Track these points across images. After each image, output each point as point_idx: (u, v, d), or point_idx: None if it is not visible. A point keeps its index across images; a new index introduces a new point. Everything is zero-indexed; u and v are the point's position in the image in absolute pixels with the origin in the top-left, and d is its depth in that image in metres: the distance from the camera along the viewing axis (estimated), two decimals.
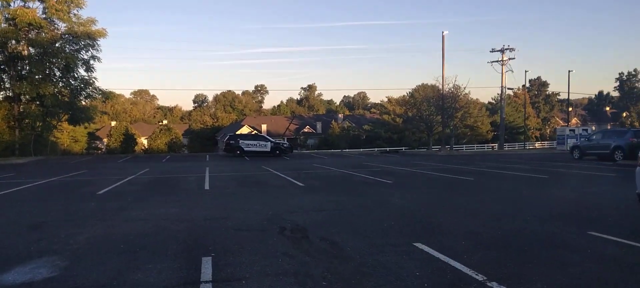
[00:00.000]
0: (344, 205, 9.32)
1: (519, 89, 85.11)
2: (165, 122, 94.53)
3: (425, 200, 9.93)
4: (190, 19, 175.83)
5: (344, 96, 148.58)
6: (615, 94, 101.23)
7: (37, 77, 31.93)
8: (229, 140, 32.36)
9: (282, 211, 8.58)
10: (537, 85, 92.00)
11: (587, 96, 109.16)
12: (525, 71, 50.89)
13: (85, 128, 77.36)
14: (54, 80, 33.59)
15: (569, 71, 52.34)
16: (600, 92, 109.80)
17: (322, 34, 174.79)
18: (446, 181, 14.12)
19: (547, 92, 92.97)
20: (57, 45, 31.42)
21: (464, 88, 35.72)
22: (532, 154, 33.19)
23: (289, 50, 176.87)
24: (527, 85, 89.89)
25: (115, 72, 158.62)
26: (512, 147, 54.35)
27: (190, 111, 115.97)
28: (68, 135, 70.91)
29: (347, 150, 52.93)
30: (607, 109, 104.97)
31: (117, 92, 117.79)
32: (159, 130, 74.66)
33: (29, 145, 32.53)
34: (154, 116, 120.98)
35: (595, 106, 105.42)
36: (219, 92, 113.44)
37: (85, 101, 35.28)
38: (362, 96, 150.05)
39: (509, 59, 40.86)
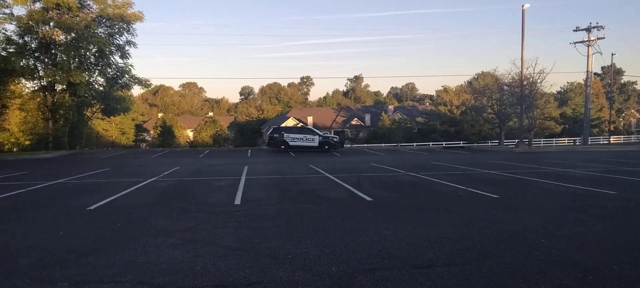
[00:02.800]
0: (458, 249, 5.40)
1: (596, 76, 77.08)
2: (211, 114, 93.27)
3: (598, 243, 5.82)
4: (238, 11, 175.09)
5: (392, 87, 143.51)
6: None
7: (71, 64, 29.90)
8: (273, 133, 28.97)
9: (354, 266, 4.80)
10: (611, 73, 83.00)
11: None
12: (612, 54, 44.04)
13: (133, 120, 77.39)
14: (90, 67, 31.49)
15: None
16: None
17: (369, 24, 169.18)
18: (578, 196, 9.82)
19: (622, 81, 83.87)
20: (89, 29, 29.02)
21: (546, 73, 30.33)
22: (635, 152, 27.56)
23: (335, 42, 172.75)
24: (599, 71, 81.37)
25: (164, 64, 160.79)
26: (595, 142, 47.96)
27: (237, 103, 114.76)
28: (116, 127, 70.76)
29: (403, 144, 48.50)
30: None
31: (167, 84, 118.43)
32: (204, 123, 72.97)
33: (64, 137, 30.57)
34: (201, 108, 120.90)
35: None
36: (265, 84, 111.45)
37: (121, 90, 32.95)
38: (410, 87, 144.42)
39: (598, 38, 34.86)
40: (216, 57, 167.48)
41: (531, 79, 30.37)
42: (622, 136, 68.80)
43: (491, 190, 10.46)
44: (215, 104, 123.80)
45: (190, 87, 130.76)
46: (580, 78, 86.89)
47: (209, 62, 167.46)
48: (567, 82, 73.99)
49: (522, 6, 30.18)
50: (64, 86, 30.40)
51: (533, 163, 18.48)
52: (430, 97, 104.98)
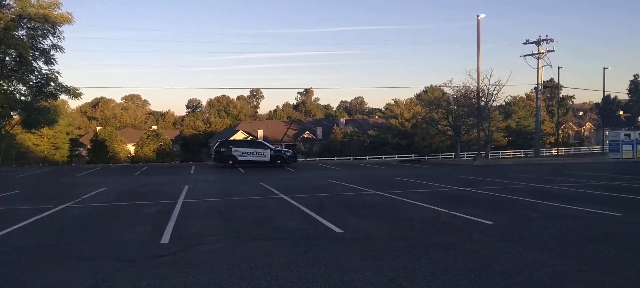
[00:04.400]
0: None
1: (532, 92, 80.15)
2: (154, 127, 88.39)
3: None
4: (186, 22, 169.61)
5: (341, 101, 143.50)
6: (624, 97, 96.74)
7: None
8: (220, 147, 26.41)
9: None
10: (551, 88, 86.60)
11: (588, 100, 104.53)
12: (559, 67, 44.93)
13: (68, 134, 71.44)
14: (8, 74, 27.67)
15: (604, 68, 46.66)
16: (608, 96, 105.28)
17: (319, 38, 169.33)
18: (583, 220, 8.36)
19: (561, 95, 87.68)
20: (7, 31, 25.30)
21: (502, 85, 29.94)
22: (592, 163, 27.33)
23: (285, 55, 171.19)
24: (540, 86, 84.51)
25: (106, 75, 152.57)
26: (542, 154, 48.73)
27: (183, 116, 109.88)
28: (48, 142, 64.86)
29: (357, 158, 47.17)
30: (621, 112, 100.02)
31: (108, 97, 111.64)
32: (146, 137, 68.46)
33: None
34: (145, 122, 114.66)
35: (602, 111, 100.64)
36: (213, 97, 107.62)
37: (47, 100, 29.19)
38: (359, 101, 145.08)
39: (547, 51, 35.21)
40: (162, 67, 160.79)
41: (487, 91, 29.96)
42: (564, 148, 71.47)
43: (479, 213, 8.80)
44: (161, 117, 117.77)
45: (133, 100, 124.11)
46: (523, 91, 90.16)
47: (154, 74, 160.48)
48: (510, 96, 76.00)
49: (477, 16, 29.73)
50: None
51: (501, 178, 17.28)
52: (380, 110, 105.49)
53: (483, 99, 30.15)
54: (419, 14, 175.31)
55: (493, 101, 30.80)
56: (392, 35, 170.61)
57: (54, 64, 27.92)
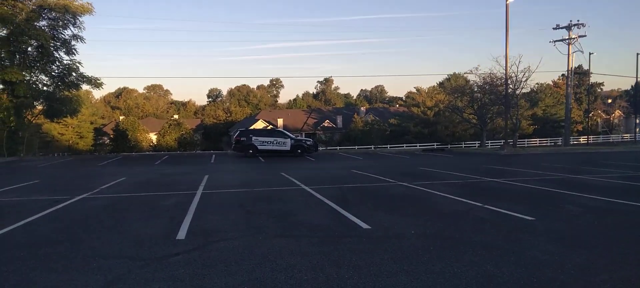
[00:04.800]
0: None
1: (560, 79, 77.83)
2: (176, 116, 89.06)
3: None
4: (206, 12, 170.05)
5: (361, 89, 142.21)
6: None
7: (11, 60, 26.32)
8: (240, 136, 26.11)
9: None
10: (580, 75, 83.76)
11: (617, 88, 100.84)
12: (590, 53, 42.83)
13: (92, 123, 72.49)
14: (31, 64, 27.86)
15: (638, 54, 44.64)
16: (637, 83, 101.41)
17: (339, 27, 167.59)
18: (636, 216, 7.66)
19: (589, 82, 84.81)
20: (29, 21, 25.42)
21: (531, 71, 28.75)
22: (626, 152, 26.10)
23: (305, 45, 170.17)
24: (564, 73, 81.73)
25: (128, 66, 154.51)
26: (572, 143, 47.14)
27: (204, 106, 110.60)
28: (73, 131, 65.88)
29: (378, 147, 46.44)
30: None
31: (131, 87, 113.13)
32: (168, 126, 68.97)
33: (1, 144, 26.85)
34: (167, 111, 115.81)
35: (632, 98, 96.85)
36: (233, 86, 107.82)
37: (68, 90, 29.34)
38: (380, 89, 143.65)
39: (579, 36, 33.73)
40: (184, 57, 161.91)
41: (515, 77, 28.79)
42: (592, 136, 69.11)
43: (516, 207, 8.16)
44: (182, 106, 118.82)
45: (155, 90, 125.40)
46: (550, 78, 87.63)
47: (175, 64, 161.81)
48: (537, 83, 73.69)
49: (506, 1, 28.53)
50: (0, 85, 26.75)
51: (533, 168, 16.47)
52: (401, 99, 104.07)
53: (511, 86, 29.05)
54: (441, 0, 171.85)
55: (521, 88, 29.71)
56: (414, 22, 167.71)
57: (75, 54, 28.08)
